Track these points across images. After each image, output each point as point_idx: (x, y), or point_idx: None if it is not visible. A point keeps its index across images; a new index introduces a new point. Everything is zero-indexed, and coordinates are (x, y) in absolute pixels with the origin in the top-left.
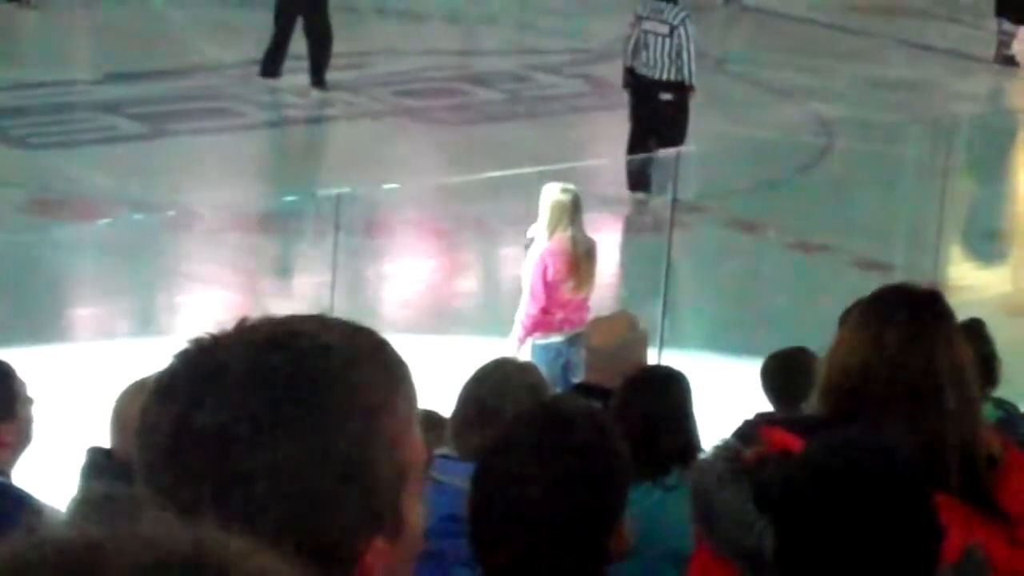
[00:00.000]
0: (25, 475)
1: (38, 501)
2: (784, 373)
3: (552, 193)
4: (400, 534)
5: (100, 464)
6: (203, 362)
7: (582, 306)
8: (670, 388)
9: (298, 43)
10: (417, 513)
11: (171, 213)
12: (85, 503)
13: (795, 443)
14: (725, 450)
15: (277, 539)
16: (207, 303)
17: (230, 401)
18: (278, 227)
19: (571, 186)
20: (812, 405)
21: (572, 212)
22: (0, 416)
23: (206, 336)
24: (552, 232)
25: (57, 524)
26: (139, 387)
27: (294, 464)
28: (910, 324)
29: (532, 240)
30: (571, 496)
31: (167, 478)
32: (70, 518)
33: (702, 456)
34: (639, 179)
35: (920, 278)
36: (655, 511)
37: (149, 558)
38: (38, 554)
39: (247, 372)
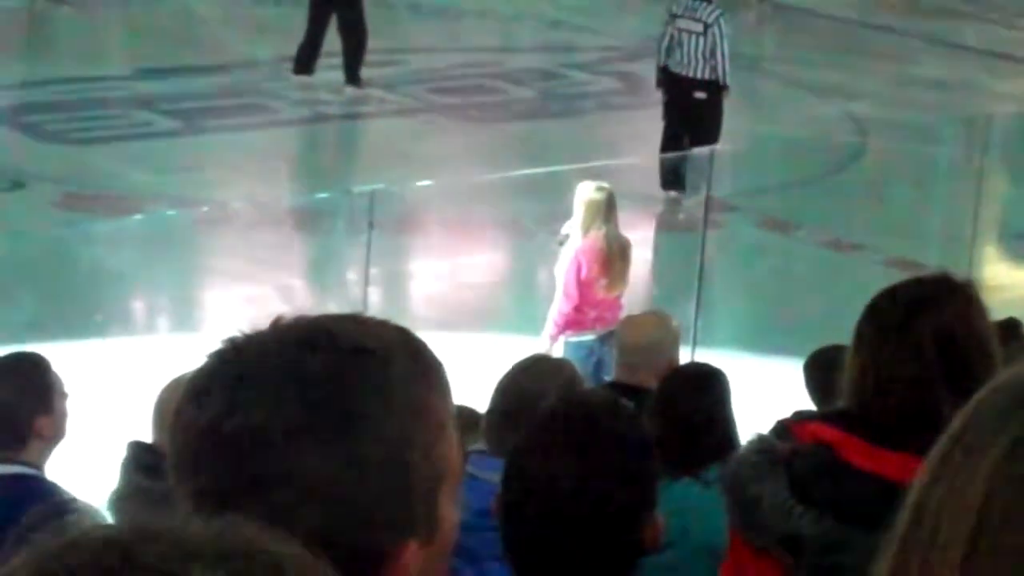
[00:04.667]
0: (60, 469)
1: (68, 494)
2: (829, 370)
3: (586, 192)
4: (435, 536)
5: (141, 458)
6: (237, 363)
7: (615, 305)
8: (710, 385)
9: (332, 39)
10: (452, 515)
11: (205, 209)
12: (124, 498)
13: (829, 433)
14: (760, 443)
15: (310, 541)
16: (240, 299)
17: (264, 403)
18: (311, 224)
19: (605, 184)
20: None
21: (606, 211)
22: (36, 409)
23: (240, 336)
24: (586, 231)
25: (84, 524)
26: (181, 382)
27: (328, 467)
28: (928, 318)
29: (566, 237)
30: (602, 490)
31: (200, 479)
32: (110, 513)
33: (736, 451)
34: (672, 178)
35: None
36: (692, 506)
37: (174, 550)
38: (66, 556)
39: (282, 373)
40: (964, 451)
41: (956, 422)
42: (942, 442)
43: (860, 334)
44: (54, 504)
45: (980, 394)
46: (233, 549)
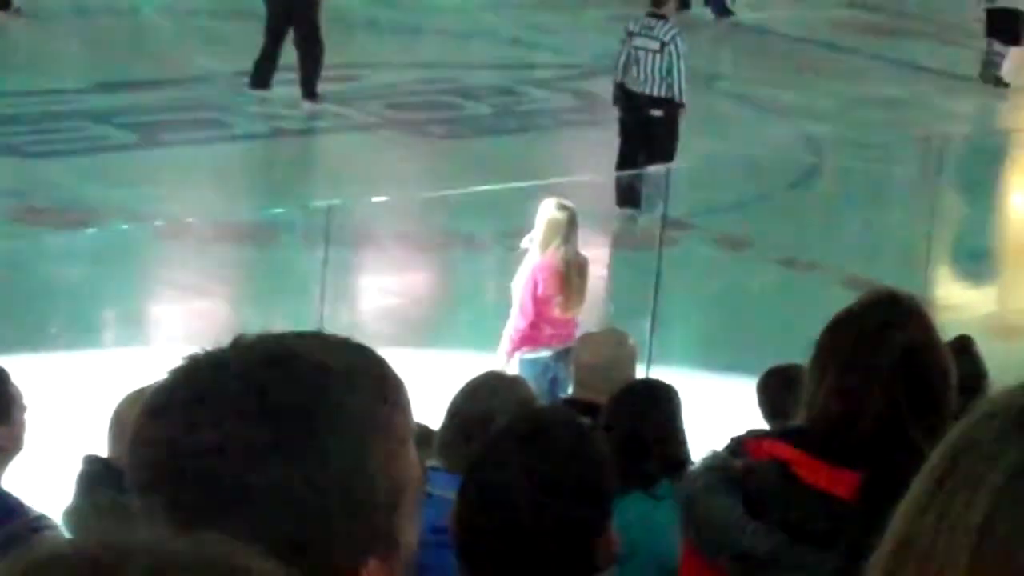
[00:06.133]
0: (14, 482)
1: (27, 507)
2: (782, 389)
3: (548, 209)
4: (394, 553)
5: (97, 473)
6: (198, 380)
7: (571, 322)
8: (659, 400)
9: (289, 54)
10: (411, 531)
11: (160, 223)
12: (80, 512)
13: (784, 451)
14: (714, 460)
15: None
16: (195, 314)
17: (224, 421)
18: (267, 239)
19: (568, 203)
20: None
21: (567, 230)
22: None
23: (201, 353)
24: (545, 248)
25: (56, 538)
26: (139, 396)
27: (289, 485)
28: (895, 338)
29: (526, 250)
30: (557, 506)
31: (161, 496)
32: (65, 528)
33: (692, 467)
34: (628, 195)
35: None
36: (643, 521)
37: (149, 564)
38: (43, 573)
39: (243, 391)
40: (960, 478)
41: (944, 449)
42: (929, 469)
43: (822, 354)
44: (25, 522)
45: (972, 418)
46: (207, 564)
